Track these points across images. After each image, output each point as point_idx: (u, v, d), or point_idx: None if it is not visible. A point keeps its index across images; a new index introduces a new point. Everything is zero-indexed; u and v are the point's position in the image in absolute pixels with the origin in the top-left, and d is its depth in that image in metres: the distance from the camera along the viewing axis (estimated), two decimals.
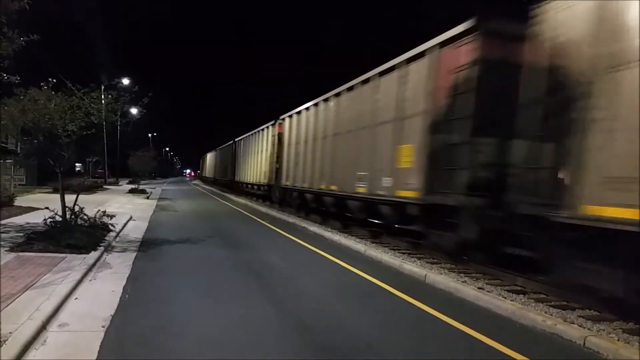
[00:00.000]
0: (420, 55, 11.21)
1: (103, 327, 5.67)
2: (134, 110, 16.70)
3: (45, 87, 10.83)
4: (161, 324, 5.93)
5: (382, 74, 13.16)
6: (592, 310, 7.16)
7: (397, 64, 12.28)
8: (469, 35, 9.56)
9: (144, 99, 13.54)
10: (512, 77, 8.20)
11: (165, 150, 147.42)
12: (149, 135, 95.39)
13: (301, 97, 20.78)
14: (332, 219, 17.44)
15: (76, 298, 6.85)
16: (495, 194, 8.59)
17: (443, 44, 10.39)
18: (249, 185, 32.65)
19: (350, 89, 15.33)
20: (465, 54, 9.64)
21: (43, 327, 5.39)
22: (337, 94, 16.31)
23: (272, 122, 26.05)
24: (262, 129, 28.74)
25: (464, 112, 9.51)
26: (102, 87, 14.95)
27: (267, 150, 27.00)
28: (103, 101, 11.80)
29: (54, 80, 11.09)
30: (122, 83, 36.36)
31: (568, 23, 7.21)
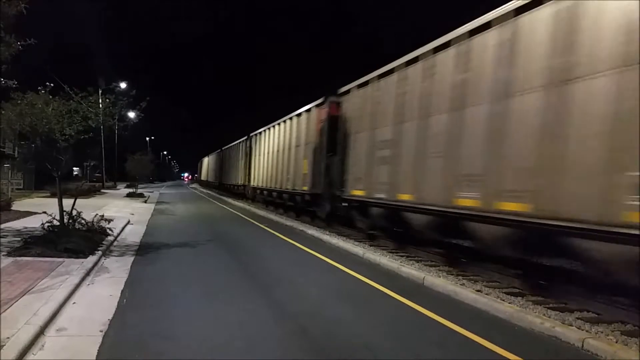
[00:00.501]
0: (308, 110, 19.28)
1: (101, 331, 5.66)
2: (131, 114, 16.71)
3: (43, 91, 10.82)
4: (159, 329, 5.92)
5: (291, 118, 21.75)
6: (590, 313, 7.18)
7: (297, 114, 20.94)
8: (325, 103, 17.03)
9: (142, 103, 13.54)
10: (338, 125, 15.85)
11: (163, 154, 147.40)
12: (147, 139, 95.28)
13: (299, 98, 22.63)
14: (280, 207, 24.53)
15: (74, 303, 6.83)
16: (332, 187, 16.02)
17: (317, 105, 18.13)
18: (232, 186, 39.70)
19: (283, 122, 23.27)
20: (324, 112, 16.91)
21: (41, 331, 5.38)
22: (279, 124, 24.09)
23: (245, 137, 33.98)
24: (240, 142, 36.36)
25: (323, 143, 16.90)
26: (100, 91, 14.94)
27: (243, 159, 34.59)
28: (101, 105, 11.80)
29: (52, 85, 11.08)
30: (119, 87, 36.45)
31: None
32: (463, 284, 8.74)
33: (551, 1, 7.45)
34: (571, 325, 6.45)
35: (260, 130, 28.98)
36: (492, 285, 8.75)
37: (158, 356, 5.07)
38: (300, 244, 13.94)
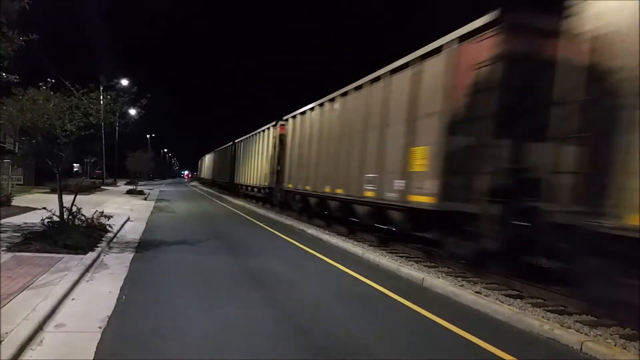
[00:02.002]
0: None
1: (100, 328, 5.65)
2: (132, 111, 16.70)
3: (44, 87, 10.81)
4: (158, 325, 5.92)
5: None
6: (589, 316, 7.16)
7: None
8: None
9: (143, 100, 13.53)
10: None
11: (164, 151, 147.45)
12: (148, 136, 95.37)
13: (305, 98, 21.29)
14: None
15: (73, 299, 6.83)
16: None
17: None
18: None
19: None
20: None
21: (40, 327, 5.37)
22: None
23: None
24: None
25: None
26: (101, 88, 14.93)
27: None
28: (102, 102, 11.80)
29: (53, 81, 11.08)
30: (120, 84, 36.45)
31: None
32: (462, 285, 8.73)
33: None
34: (570, 328, 6.44)
35: (242, 138, 34.51)
36: (491, 287, 8.74)
37: (157, 353, 5.07)
38: (300, 243, 13.94)
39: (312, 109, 19.06)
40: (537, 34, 8.43)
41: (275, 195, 24.66)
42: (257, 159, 29.54)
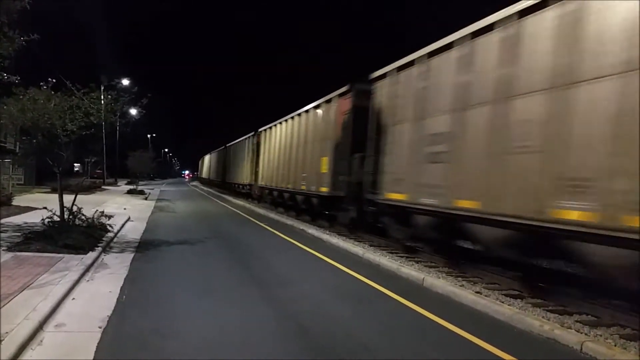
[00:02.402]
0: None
1: (100, 327, 5.66)
2: (133, 111, 16.72)
3: (45, 87, 10.83)
4: (158, 325, 5.92)
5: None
6: (589, 316, 7.17)
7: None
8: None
9: (143, 100, 13.56)
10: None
11: (164, 151, 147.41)
12: (148, 136, 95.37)
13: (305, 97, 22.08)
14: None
15: (73, 298, 6.84)
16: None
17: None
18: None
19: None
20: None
21: (40, 327, 5.38)
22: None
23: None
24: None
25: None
26: (102, 88, 14.95)
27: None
28: (102, 101, 11.81)
29: (54, 80, 11.10)
30: (121, 84, 36.44)
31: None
32: (462, 285, 8.73)
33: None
34: (570, 328, 6.45)
35: (269, 125, 26.29)
36: (491, 287, 8.75)
37: (157, 353, 5.07)
38: (301, 243, 13.94)
39: (275, 125, 25.17)
40: (366, 94, 13.86)
41: (254, 191, 30.87)
42: (242, 162, 35.38)
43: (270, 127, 26.21)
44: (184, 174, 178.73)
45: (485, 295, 8.03)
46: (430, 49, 10.65)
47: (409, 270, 9.97)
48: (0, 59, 8.89)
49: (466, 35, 9.38)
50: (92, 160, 32.78)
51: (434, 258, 11.21)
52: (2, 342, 4.67)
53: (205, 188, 60.28)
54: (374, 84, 13.56)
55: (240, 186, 35.88)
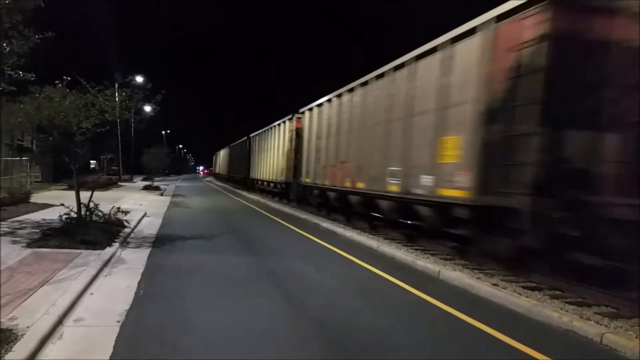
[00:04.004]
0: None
1: (118, 322, 5.71)
2: (147, 108, 16.81)
3: (60, 85, 10.91)
4: (176, 319, 5.96)
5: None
6: (609, 307, 7.08)
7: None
8: (535, 6, 8.13)
9: (158, 96, 13.61)
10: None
11: (179, 147, 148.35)
12: (163, 132, 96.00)
13: (323, 90, 19.93)
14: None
15: (91, 293, 6.91)
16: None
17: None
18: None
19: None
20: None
21: (59, 322, 5.44)
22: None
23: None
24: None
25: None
26: (116, 85, 15.04)
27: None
28: (117, 99, 11.88)
29: (69, 78, 11.17)
30: (135, 80, 36.67)
31: None
32: (479, 278, 8.67)
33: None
34: (589, 319, 6.37)
35: (320, 102, 20.11)
36: (508, 280, 8.66)
37: (175, 347, 5.10)
38: (315, 236, 13.94)
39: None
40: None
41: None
42: (272, 154, 29.22)
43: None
44: (199, 169, 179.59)
45: (503, 288, 7.96)
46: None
47: (425, 262, 9.92)
48: (16, 57, 8.96)
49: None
50: (108, 157, 33.09)
51: (449, 251, 11.10)
52: (24, 337, 4.74)
53: (219, 183, 60.48)
54: (302, 115, 19.91)
55: (270, 184, 30.29)
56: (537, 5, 8.10)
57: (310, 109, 21.15)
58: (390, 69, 13.34)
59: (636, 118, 6.85)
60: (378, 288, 8.28)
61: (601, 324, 6.21)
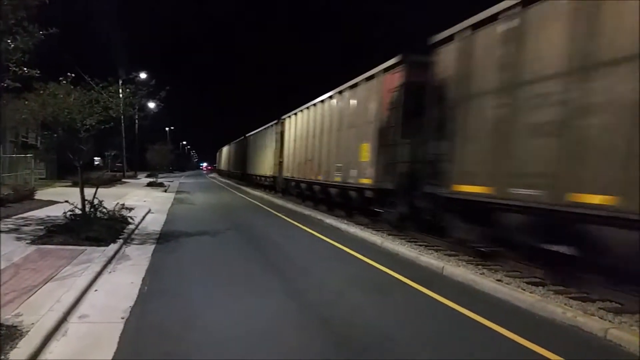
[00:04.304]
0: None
1: (122, 318, 5.74)
2: (151, 104, 16.85)
3: (64, 82, 10.93)
4: (180, 316, 5.98)
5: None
6: (613, 303, 7.06)
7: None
8: (399, 66, 13.09)
9: (162, 93, 13.63)
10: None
11: (183, 143, 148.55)
12: (167, 129, 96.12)
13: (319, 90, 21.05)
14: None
15: (96, 290, 6.93)
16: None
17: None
18: (258, 177, 36.38)
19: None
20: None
21: (64, 318, 5.47)
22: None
23: (276, 120, 29.81)
24: (268, 127, 32.59)
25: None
26: (120, 81, 15.05)
27: (272, 146, 30.50)
28: (121, 95, 11.90)
29: (73, 75, 11.19)
30: (139, 77, 36.73)
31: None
32: (483, 274, 8.66)
33: None
34: (593, 315, 6.35)
35: (295, 112, 24.14)
36: (512, 275, 8.66)
37: (179, 343, 5.12)
38: (318, 232, 13.96)
39: (301, 111, 23.07)
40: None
41: (278, 183, 28.88)
42: (264, 152, 33.60)
43: (296, 113, 24.14)
44: (202, 166, 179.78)
45: (507, 283, 7.95)
46: None
47: (428, 258, 9.92)
48: (21, 53, 8.97)
49: None
50: (112, 153, 33.19)
51: (452, 246, 11.09)
52: (29, 333, 4.76)
53: (223, 180, 60.59)
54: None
55: (262, 178, 34.11)
56: (399, 66, 13.11)
57: (289, 116, 25.83)
58: (335, 92, 18.16)
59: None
60: (382, 284, 8.27)
61: (605, 319, 6.19)
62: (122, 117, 12.38)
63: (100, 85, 11.30)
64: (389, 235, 13.18)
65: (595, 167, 6.70)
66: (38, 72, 10.06)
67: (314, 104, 20.99)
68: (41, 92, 10.52)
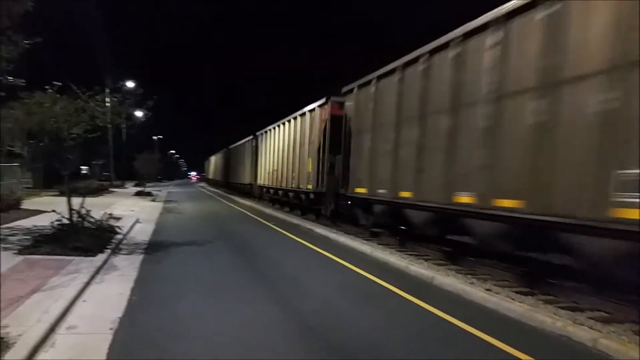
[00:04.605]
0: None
1: (111, 329, 5.68)
2: (139, 113, 16.76)
3: (51, 90, 10.85)
4: (169, 326, 5.93)
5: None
6: (601, 312, 7.11)
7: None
8: (326, 103, 18.10)
9: (149, 102, 13.57)
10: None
11: (171, 153, 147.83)
12: (154, 138, 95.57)
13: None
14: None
15: (84, 300, 6.86)
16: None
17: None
18: (238, 185, 40.54)
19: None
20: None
21: (51, 329, 5.40)
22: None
23: (252, 136, 34.10)
24: (246, 141, 36.87)
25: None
26: (107, 90, 14.98)
27: (249, 157, 34.75)
28: (108, 104, 11.84)
29: (59, 84, 11.12)
30: (126, 86, 36.55)
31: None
32: (472, 283, 8.70)
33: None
34: (583, 324, 6.39)
35: (266, 129, 29.07)
36: (501, 284, 8.70)
37: (168, 354, 5.08)
38: (308, 242, 13.93)
39: (270, 129, 28.41)
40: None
41: (254, 190, 33.11)
42: (243, 163, 37.57)
43: (266, 132, 29.20)
44: (191, 175, 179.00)
45: (496, 293, 7.99)
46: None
47: (418, 268, 9.94)
48: (5, 62, 8.93)
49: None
50: (100, 162, 32.94)
51: (443, 256, 11.14)
52: (15, 345, 4.69)
53: (211, 189, 60.37)
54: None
55: (242, 185, 38.17)
56: (327, 103, 18.05)
57: (262, 133, 30.63)
58: (291, 117, 22.98)
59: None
60: (372, 293, 8.27)
61: (594, 329, 6.23)
62: (109, 126, 12.31)
63: (87, 94, 11.23)
64: (379, 244, 13.20)
65: (405, 175, 11.66)
66: (23, 81, 10.02)
67: (278, 125, 25.69)
68: (27, 100, 10.43)
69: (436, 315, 7.00)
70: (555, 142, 7.18)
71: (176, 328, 5.88)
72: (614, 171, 6.24)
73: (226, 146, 51.17)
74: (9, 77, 9.49)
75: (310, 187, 19.25)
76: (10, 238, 11.17)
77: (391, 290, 8.41)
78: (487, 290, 8.17)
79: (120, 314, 6.28)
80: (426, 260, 10.97)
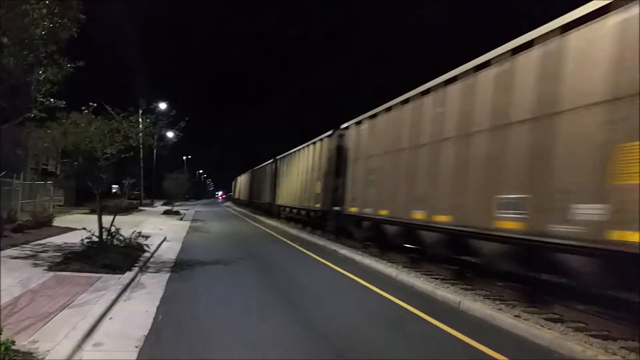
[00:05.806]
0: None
1: (137, 347, 5.73)
2: (170, 134, 17.07)
3: (86, 111, 11.15)
4: (194, 345, 5.96)
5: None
6: (635, 342, 6.88)
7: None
8: (332, 134, 21.24)
9: (181, 123, 13.83)
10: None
11: (199, 172, 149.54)
12: (184, 158, 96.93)
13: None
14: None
15: (111, 318, 6.94)
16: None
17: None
18: (260, 204, 44.53)
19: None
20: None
21: (78, 346, 5.48)
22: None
23: (272, 160, 37.84)
24: (267, 164, 40.11)
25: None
26: (140, 111, 15.32)
27: (269, 179, 38.45)
28: (141, 125, 12.09)
29: (95, 104, 11.42)
30: (159, 107, 37.31)
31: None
32: (500, 309, 8.52)
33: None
34: (615, 354, 6.20)
35: (284, 155, 33.58)
36: (530, 311, 8.50)
37: None
38: (332, 263, 13.88)
39: (287, 155, 32.37)
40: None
41: (273, 208, 36.05)
42: (264, 184, 40.01)
43: (284, 157, 33.41)
44: (218, 194, 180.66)
45: (525, 319, 7.81)
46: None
47: (445, 292, 9.80)
48: (50, 85, 9.23)
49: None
50: (130, 181, 33.53)
51: (472, 280, 10.97)
52: None
53: (237, 208, 60.74)
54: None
55: (263, 204, 42.21)
56: (332, 134, 21.11)
57: (280, 158, 34.85)
58: (305, 146, 26.64)
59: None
60: (398, 318, 8.17)
61: (627, 359, 6.04)
62: (141, 146, 12.56)
63: (122, 115, 11.51)
64: (404, 267, 13.07)
65: (383, 197, 14.77)
66: (64, 102, 10.31)
67: (294, 152, 29.82)
68: (63, 121, 10.74)
69: (463, 341, 6.85)
70: (466, 174, 10.30)
71: (201, 347, 5.90)
72: (495, 195, 9.22)
73: (252, 167, 52.47)
74: (51, 99, 9.79)
75: (318, 206, 22.50)
76: (42, 254, 11.43)
77: (418, 315, 8.29)
78: (516, 316, 8.00)
79: (145, 332, 6.34)
80: (453, 284, 10.80)
